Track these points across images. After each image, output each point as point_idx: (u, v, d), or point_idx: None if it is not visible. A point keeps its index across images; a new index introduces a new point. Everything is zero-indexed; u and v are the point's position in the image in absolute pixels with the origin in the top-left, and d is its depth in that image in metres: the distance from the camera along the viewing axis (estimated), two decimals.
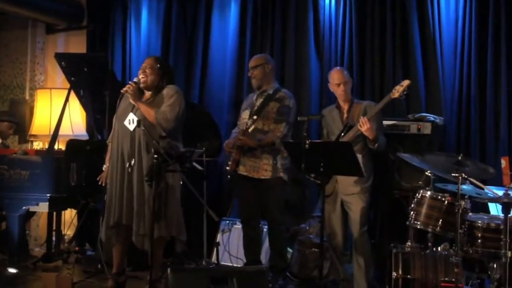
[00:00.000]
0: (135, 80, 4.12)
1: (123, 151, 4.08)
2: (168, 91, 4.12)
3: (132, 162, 4.02)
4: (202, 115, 5.36)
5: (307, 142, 3.71)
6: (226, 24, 5.69)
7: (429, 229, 3.78)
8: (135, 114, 4.07)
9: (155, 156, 3.72)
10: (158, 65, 4.18)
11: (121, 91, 4.07)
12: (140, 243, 4.03)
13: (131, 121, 4.06)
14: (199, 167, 4.65)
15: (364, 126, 4.01)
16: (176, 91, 4.14)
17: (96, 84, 5.16)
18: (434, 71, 4.87)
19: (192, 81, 5.83)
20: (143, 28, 6.06)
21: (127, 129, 4.07)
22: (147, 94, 4.19)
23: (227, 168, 4.50)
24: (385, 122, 4.23)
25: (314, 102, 5.28)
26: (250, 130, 4.38)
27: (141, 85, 4.13)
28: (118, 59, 6.17)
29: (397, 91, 4.03)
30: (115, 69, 5.98)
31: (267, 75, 4.55)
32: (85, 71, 5.17)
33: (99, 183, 4.27)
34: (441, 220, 3.74)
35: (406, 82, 4.04)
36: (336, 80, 4.31)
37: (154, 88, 4.15)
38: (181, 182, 4.18)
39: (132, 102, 4.08)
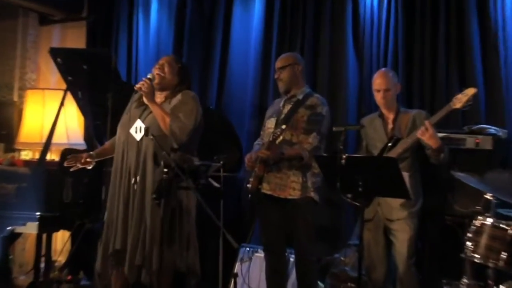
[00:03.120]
0: (149, 76, 4.14)
1: (129, 164, 4.08)
2: (184, 97, 4.17)
3: (138, 177, 4.03)
4: (219, 123, 5.39)
5: (344, 156, 3.70)
6: (250, 18, 5.75)
7: (490, 264, 3.73)
8: (143, 121, 4.08)
9: (165, 170, 3.72)
10: (179, 65, 4.26)
11: (135, 87, 4.09)
12: (134, 275, 4.00)
13: (138, 130, 4.07)
14: (216, 184, 4.63)
15: (427, 132, 3.95)
16: (193, 97, 4.19)
17: (96, 85, 5.16)
18: (496, 78, 4.84)
19: (208, 84, 5.90)
20: (153, 21, 6.14)
21: (133, 139, 4.08)
22: (160, 96, 4.22)
23: (248, 185, 4.51)
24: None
25: (351, 109, 5.30)
26: (277, 141, 4.38)
27: (155, 83, 4.15)
28: (122, 56, 6.21)
29: (459, 101, 3.98)
30: (119, 68, 5.97)
31: (296, 77, 4.58)
32: (84, 69, 5.17)
33: (65, 163, 4.30)
34: (504, 253, 3.69)
35: (471, 91, 3.98)
36: (376, 85, 4.33)
37: (170, 91, 4.20)
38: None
39: (146, 102, 4.09)
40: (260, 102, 5.63)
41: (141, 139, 4.06)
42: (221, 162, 4.49)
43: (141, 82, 4.09)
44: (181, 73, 4.26)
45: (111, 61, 5.39)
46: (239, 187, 5.35)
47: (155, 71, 4.19)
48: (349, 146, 5.01)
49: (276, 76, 4.62)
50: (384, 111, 4.36)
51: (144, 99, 4.10)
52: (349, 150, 4.91)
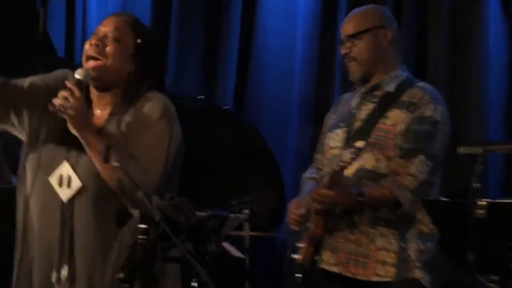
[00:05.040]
0: (77, 77, 3.90)
1: (46, 245, 3.97)
2: (146, 110, 4.02)
3: (63, 270, 3.91)
4: (241, 138, 5.53)
5: (482, 202, 3.59)
6: None
7: None
8: (75, 164, 3.91)
9: (142, 226, 3.57)
10: (138, 38, 4.05)
11: (50, 107, 3.88)
12: None
13: (64, 181, 3.92)
14: (236, 253, 4.68)
15: None
16: (163, 109, 4.01)
17: (10, 63, 5.18)
18: None
19: (220, 68, 6.31)
20: None
21: (55, 196, 3.93)
22: (100, 104, 4.05)
23: (296, 256, 4.51)
24: None
25: (494, 113, 5.37)
26: (350, 172, 4.34)
27: (91, 75, 3.97)
28: (58, 17, 6.51)
29: None
30: (53, 35, 6.15)
31: (382, 52, 4.56)
32: None
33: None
34: None
35: None
36: None
37: (120, 91, 4.03)
38: (195, 286, 4.03)
39: (73, 131, 3.90)
40: (316, 99, 5.94)
41: (72, 199, 3.91)
42: (246, 212, 4.54)
43: (61, 94, 3.83)
44: (141, 55, 4.03)
45: (37, 19, 5.37)
46: (278, 258, 5.32)
47: (88, 50, 3.98)
48: (491, 182, 5.03)
49: (344, 52, 4.57)
50: None
51: (70, 127, 3.90)
52: (492, 191, 4.89)
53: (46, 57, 4.99)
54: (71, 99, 3.73)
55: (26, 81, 4.03)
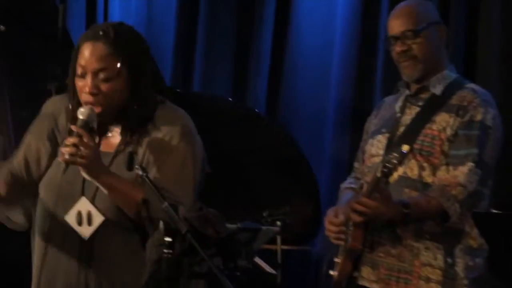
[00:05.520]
0: (81, 117, 3.83)
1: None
2: (164, 134, 3.94)
3: None
4: (274, 143, 5.62)
5: None
6: None
7: None
8: (94, 198, 3.87)
9: (167, 239, 3.52)
10: (120, 55, 3.89)
11: (60, 159, 3.84)
12: None
13: (83, 218, 3.87)
14: (268, 268, 4.59)
15: None
16: (181, 132, 3.92)
17: (25, 64, 5.19)
18: None
19: (252, 70, 6.20)
20: None
21: (73, 233, 3.89)
22: (111, 132, 4.01)
23: (332, 272, 4.45)
24: None
25: None
26: (392, 178, 4.26)
27: (96, 112, 3.94)
28: (79, 11, 6.40)
29: None
30: (73, 32, 5.99)
31: (442, 51, 4.51)
32: (1, 31, 5.25)
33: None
34: None
35: None
36: None
37: (128, 113, 3.96)
38: None
39: (88, 178, 3.84)
40: (355, 102, 5.98)
41: (93, 236, 3.87)
42: (279, 224, 4.61)
43: (69, 142, 3.75)
44: (133, 76, 3.91)
45: (56, 16, 5.37)
46: (313, 275, 5.31)
47: (83, 93, 3.86)
48: None
49: (402, 49, 4.45)
50: None
51: (84, 175, 3.85)
52: None
53: (65, 55, 4.84)
54: (81, 147, 3.67)
55: (19, 156, 3.97)
